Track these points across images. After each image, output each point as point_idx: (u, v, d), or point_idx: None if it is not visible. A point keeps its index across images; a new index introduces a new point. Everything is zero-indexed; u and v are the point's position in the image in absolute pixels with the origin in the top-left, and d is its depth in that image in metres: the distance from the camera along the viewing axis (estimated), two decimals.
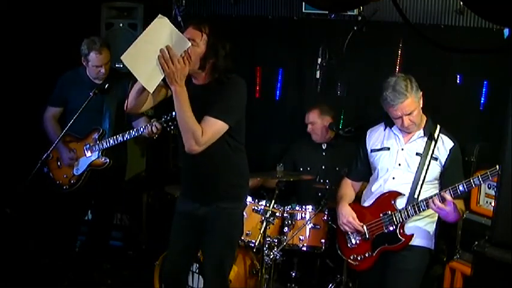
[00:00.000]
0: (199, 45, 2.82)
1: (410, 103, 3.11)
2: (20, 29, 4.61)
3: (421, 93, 3.17)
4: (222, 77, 2.87)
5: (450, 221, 3.11)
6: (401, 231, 3.15)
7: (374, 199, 3.29)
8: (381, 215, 3.21)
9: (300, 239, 3.92)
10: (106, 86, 3.72)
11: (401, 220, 3.14)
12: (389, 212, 3.18)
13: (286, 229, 3.97)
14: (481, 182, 2.93)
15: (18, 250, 4.40)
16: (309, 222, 3.93)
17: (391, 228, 3.17)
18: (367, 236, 3.26)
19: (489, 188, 3.53)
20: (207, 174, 3.02)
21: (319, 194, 4.27)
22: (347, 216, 3.31)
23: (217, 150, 2.95)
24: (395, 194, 3.19)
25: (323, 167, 4.41)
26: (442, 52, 4.10)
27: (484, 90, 4.25)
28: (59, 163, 4.15)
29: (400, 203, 3.19)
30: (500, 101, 4.00)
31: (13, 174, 4.09)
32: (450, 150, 3.20)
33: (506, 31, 3.80)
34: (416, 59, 4.29)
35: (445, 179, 3.20)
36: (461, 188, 2.97)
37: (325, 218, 3.97)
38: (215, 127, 2.81)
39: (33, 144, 4.11)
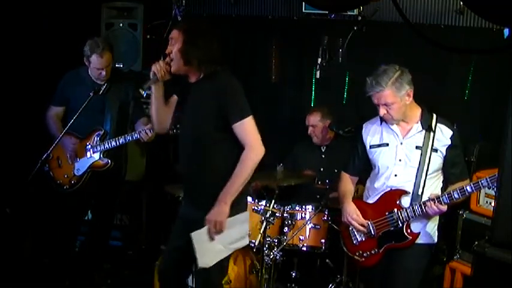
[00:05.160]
0: (177, 42, 2.91)
1: (386, 95, 3.10)
2: (20, 29, 4.61)
3: (407, 89, 3.11)
4: (208, 68, 2.92)
5: None
6: (408, 230, 3.15)
7: (378, 196, 3.26)
8: (387, 213, 3.20)
9: (300, 239, 3.92)
10: (104, 87, 3.72)
11: (407, 218, 3.14)
12: (395, 210, 3.17)
13: (286, 229, 3.97)
14: (473, 190, 2.96)
15: (18, 250, 4.40)
16: (309, 222, 3.93)
17: (398, 226, 3.17)
18: (373, 233, 3.25)
19: (489, 188, 3.53)
20: (197, 181, 3.00)
21: (318, 196, 4.27)
22: (351, 214, 3.29)
23: (206, 158, 2.95)
24: (401, 192, 3.18)
25: (322, 169, 4.42)
26: (442, 52, 4.10)
27: (483, 89, 4.25)
28: (59, 162, 4.14)
29: (405, 200, 3.17)
30: (500, 100, 4.00)
31: (13, 174, 4.09)
32: (450, 138, 3.17)
33: (506, 31, 3.80)
34: (416, 59, 4.29)
35: (446, 164, 3.19)
36: (455, 195, 3.00)
37: (325, 218, 3.97)
38: (248, 127, 2.90)
39: (34, 144, 4.11)
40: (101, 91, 3.70)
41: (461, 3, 4.08)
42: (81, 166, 4.11)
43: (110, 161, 4.09)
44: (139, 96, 2.96)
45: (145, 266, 4.31)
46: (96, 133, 4.08)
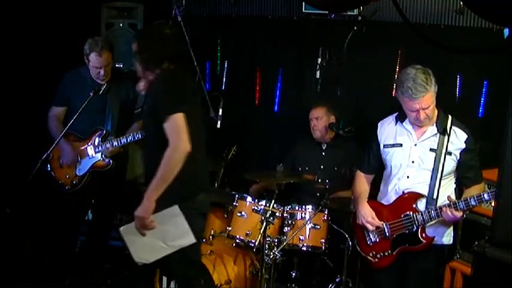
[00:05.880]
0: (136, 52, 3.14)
1: (429, 97, 3.07)
2: (20, 29, 4.61)
3: (437, 87, 3.12)
4: (159, 69, 3.06)
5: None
6: (423, 233, 3.14)
7: (394, 198, 3.25)
8: (402, 215, 3.19)
9: (300, 239, 3.92)
10: (104, 87, 3.73)
11: (422, 222, 3.13)
12: (411, 213, 3.16)
13: (286, 229, 3.97)
14: (490, 198, 2.95)
15: (18, 250, 4.40)
16: (309, 222, 3.93)
17: (413, 230, 3.16)
18: (387, 235, 3.24)
19: (489, 188, 3.53)
20: (151, 178, 2.99)
21: (318, 194, 4.27)
22: (366, 216, 3.28)
23: (153, 156, 2.97)
24: (417, 196, 3.16)
25: (322, 167, 4.42)
26: (442, 52, 4.10)
27: (484, 90, 4.25)
28: (61, 162, 4.14)
29: (421, 204, 3.17)
30: (500, 101, 4.00)
31: (13, 174, 4.08)
32: (465, 142, 3.16)
33: (506, 31, 3.80)
34: (417, 59, 4.28)
35: (460, 167, 3.19)
36: (472, 202, 3.00)
37: (325, 218, 3.97)
38: (172, 125, 2.89)
39: (34, 144, 4.11)
40: (101, 91, 3.70)
41: (461, 3, 4.07)
42: (82, 166, 4.10)
43: (111, 161, 4.09)
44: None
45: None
46: (98, 133, 4.08)
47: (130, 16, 4.90)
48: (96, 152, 4.08)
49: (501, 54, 3.82)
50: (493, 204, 2.98)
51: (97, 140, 4.08)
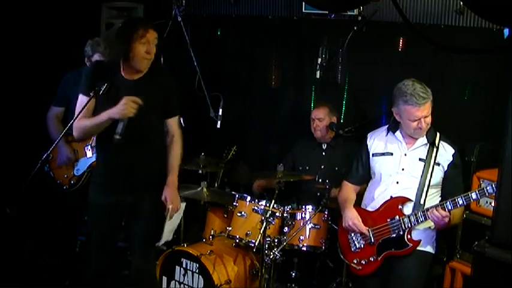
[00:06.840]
0: (154, 43, 3.14)
1: (429, 104, 3.17)
2: (20, 29, 4.60)
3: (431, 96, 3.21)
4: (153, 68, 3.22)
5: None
6: (409, 236, 3.16)
7: (380, 204, 3.28)
8: (388, 220, 3.21)
9: (300, 239, 3.92)
10: (104, 87, 3.72)
11: (409, 225, 3.15)
12: (397, 217, 3.18)
13: (286, 229, 3.97)
14: (479, 197, 2.98)
15: (18, 250, 4.40)
16: (309, 222, 3.93)
17: (399, 233, 3.17)
18: (373, 240, 3.25)
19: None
20: (141, 168, 3.26)
21: (318, 194, 4.27)
22: (352, 218, 3.30)
23: (152, 147, 3.28)
24: (403, 200, 3.19)
25: (322, 167, 4.42)
26: (442, 52, 4.10)
27: (483, 89, 4.25)
28: (57, 162, 4.14)
29: (408, 208, 3.19)
30: (500, 101, 4.00)
31: (13, 174, 4.08)
32: (452, 155, 3.25)
33: (506, 31, 3.79)
34: (417, 59, 4.29)
35: (446, 184, 3.26)
36: (460, 201, 3.02)
37: (325, 218, 3.97)
38: (178, 120, 3.35)
39: (34, 144, 4.10)
40: (102, 91, 3.70)
41: (461, 3, 4.07)
42: (81, 166, 4.11)
43: None
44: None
45: None
46: None
47: (130, 16, 4.89)
48: (93, 152, 4.08)
49: (501, 54, 3.81)
50: (493, 204, 2.98)
51: (95, 140, 4.07)
